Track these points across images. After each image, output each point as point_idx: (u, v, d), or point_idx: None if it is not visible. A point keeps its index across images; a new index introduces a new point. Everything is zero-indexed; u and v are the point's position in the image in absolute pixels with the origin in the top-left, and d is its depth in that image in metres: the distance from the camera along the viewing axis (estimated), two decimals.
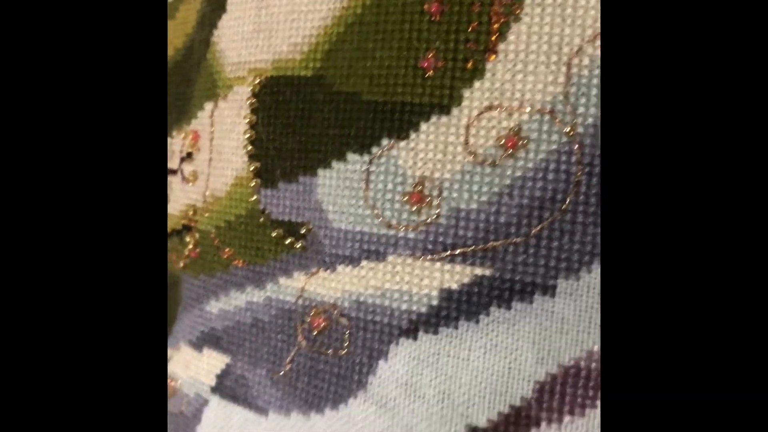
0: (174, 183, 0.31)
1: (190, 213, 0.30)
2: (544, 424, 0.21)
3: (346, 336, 0.23)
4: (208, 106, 0.28)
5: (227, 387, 0.27)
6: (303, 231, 0.24)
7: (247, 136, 0.26)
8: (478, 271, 0.21)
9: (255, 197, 0.26)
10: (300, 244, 0.25)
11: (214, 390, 0.28)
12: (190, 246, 0.29)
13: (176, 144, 0.32)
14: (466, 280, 0.21)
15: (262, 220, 0.26)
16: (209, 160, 0.29)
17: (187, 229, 0.30)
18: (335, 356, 0.24)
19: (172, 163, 0.32)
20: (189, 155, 0.30)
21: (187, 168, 0.30)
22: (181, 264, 0.30)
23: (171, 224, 0.31)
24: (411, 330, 0.22)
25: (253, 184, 0.26)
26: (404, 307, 0.22)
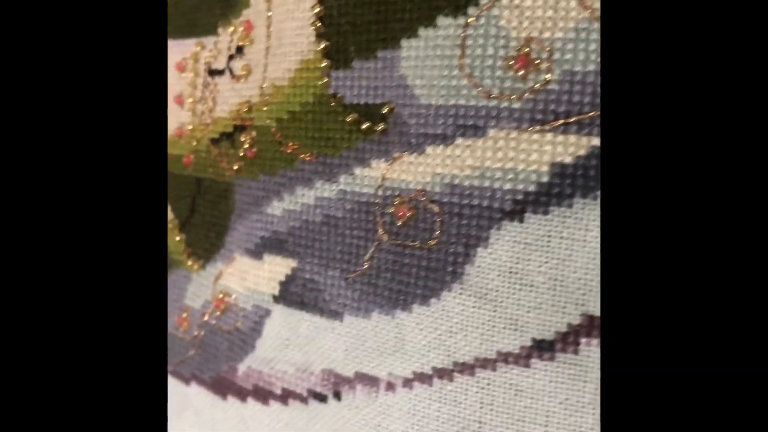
0: (221, 84, 0.29)
1: (244, 111, 0.27)
2: None
3: (437, 224, 0.21)
4: None
5: (293, 294, 0.25)
6: (384, 111, 0.22)
7: (315, 11, 0.23)
8: (596, 141, 0.19)
9: (324, 81, 0.23)
10: (380, 127, 0.22)
11: (278, 299, 0.25)
12: (246, 145, 0.27)
13: (222, 41, 0.29)
14: (582, 152, 0.19)
15: (333, 104, 0.23)
16: (266, 48, 0.26)
17: (240, 129, 0.27)
18: (423, 248, 0.21)
19: (218, 63, 0.29)
20: (239, 50, 0.28)
21: (238, 64, 0.28)
22: (235, 167, 0.27)
23: (219, 128, 0.29)
24: (516, 212, 0.20)
25: (322, 65, 0.23)
26: (508, 186, 0.20)
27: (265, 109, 0.26)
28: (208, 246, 0.29)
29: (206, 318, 0.29)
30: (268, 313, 0.26)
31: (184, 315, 0.30)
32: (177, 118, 0.31)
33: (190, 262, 0.30)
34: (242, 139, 0.27)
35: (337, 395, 0.24)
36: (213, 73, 0.29)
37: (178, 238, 0.31)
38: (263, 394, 0.26)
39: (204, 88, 0.30)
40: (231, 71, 0.28)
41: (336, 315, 0.24)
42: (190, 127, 0.30)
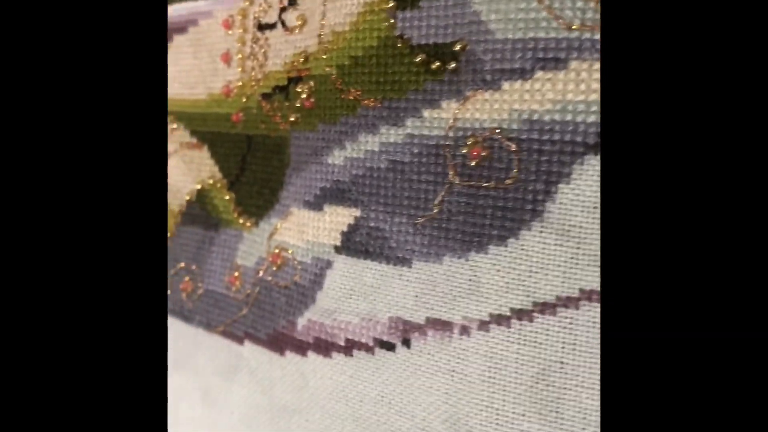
0: (272, 38, 0.28)
1: (300, 62, 0.27)
2: None
3: (514, 163, 0.21)
4: None
5: (357, 243, 0.24)
6: (456, 50, 0.21)
7: None
8: None
9: (390, 23, 0.23)
10: (451, 66, 0.21)
11: (340, 249, 0.25)
12: (304, 96, 0.26)
13: None
14: None
15: (399, 46, 0.23)
16: None
17: (295, 81, 0.27)
18: (499, 188, 0.21)
19: (268, 17, 0.28)
20: (292, 1, 0.27)
21: (291, 15, 0.27)
22: (292, 118, 0.27)
23: (271, 82, 0.28)
24: (599, 145, 0.19)
25: (388, 6, 0.23)
26: (591, 119, 0.19)
27: (324, 57, 0.25)
28: (261, 203, 0.29)
29: (261, 275, 0.28)
30: (329, 264, 0.25)
31: (236, 274, 0.30)
32: (223, 76, 0.31)
33: (241, 221, 0.30)
34: (298, 90, 0.26)
35: (407, 343, 0.23)
36: (263, 27, 0.29)
37: (227, 197, 0.31)
38: (325, 347, 0.26)
39: (253, 44, 0.29)
40: (283, 23, 0.28)
41: (404, 262, 0.23)
42: (240, 84, 0.30)
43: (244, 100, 0.30)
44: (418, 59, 0.22)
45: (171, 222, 0.33)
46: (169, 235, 0.34)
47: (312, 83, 0.26)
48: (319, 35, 0.26)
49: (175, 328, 0.33)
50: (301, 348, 0.27)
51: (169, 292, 0.34)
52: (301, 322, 0.27)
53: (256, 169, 0.29)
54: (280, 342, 0.27)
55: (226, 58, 0.31)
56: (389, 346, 0.24)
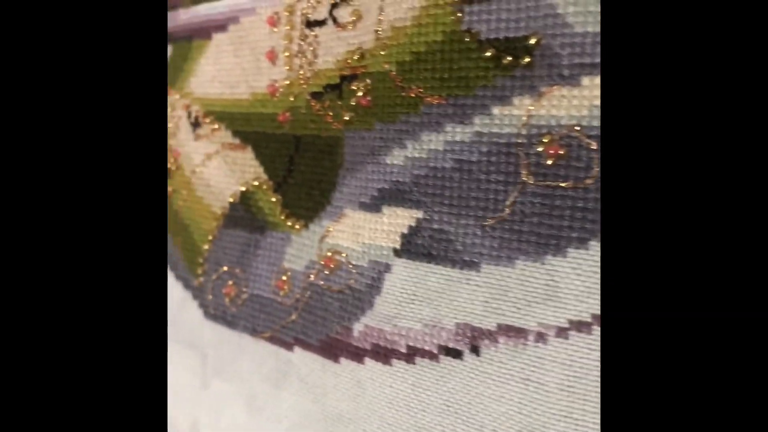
0: (322, 35, 0.27)
1: (354, 59, 0.26)
2: None
3: (595, 161, 0.20)
4: None
5: (419, 246, 0.24)
6: (530, 44, 0.20)
7: None
8: None
9: (456, 16, 0.22)
10: (525, 61, 0.21)
11: (400, 252, 0.24)
12: (360, 93, 0.25)
13: None
14: None
15: (467, 41, 0.22)
16: None
17: (349, 78, 0.26)
18: (578, 187, 0.20)
19: (317, 14, 0.28)
20: None
21: (343, 12, 0.26)
22: (346, 117, 0.26)
23: (321, 81, 0.27)
24: None
25: (454, 0, 0.22)
26: None
27: (382, 53, 0.24)
28: (311, 205, 0.28)
29: (312, 278, 0.28)
30: (388, 268, 0.25)
31: (284, 278, 0.29)
32: (268, 74, 0.30)
33: (289, 223, 0.29)
34: (353, 88, 0.26)
35: (475, 350, 0.22)
36: (312, 24, 0.28)
37: (273, 200, 0.30)
38: (384, 354, 0.25)
39: (301, 41, 0.28)
40: (335, 20, 0.27)
41: (471, 265, 0.22)
42: (287, 82, 0.29)
43: (292, 99, 0.29)
44: (487, 54, 0.21)
45: (213, 224, 0.33)
46: (210, 237, 0.33)
47: (368, 81, 0.25)
48: (377, 31, 0.25)
49: (217, 333, 0.32)
50: (357, 355, 0.26)
51: (210, 296, 0.33)
52: (358, 327, 0.26)
53: (305, 170, 0.28)
54: (334, 348, 0.27)
55: (272, 56, 0.30)
56: (456, 354, 0.23)
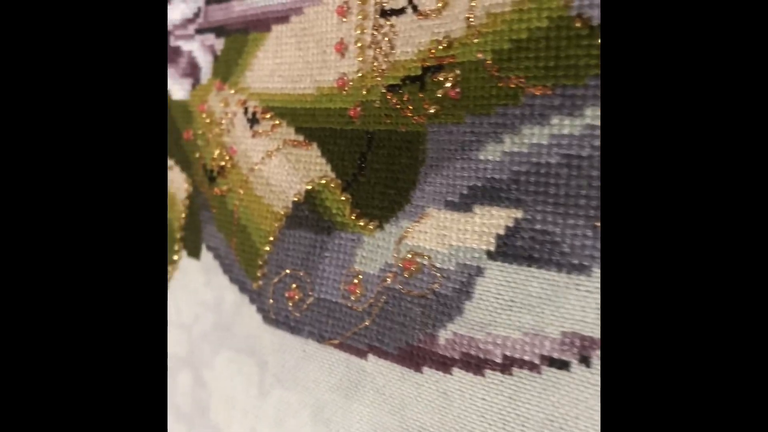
0: (400, 24, 0.26)
1: (440, 48, 0.24)
2: None
3: None
4: None
5: (519, 248, 0.22)
6: None
7: None
8: None
9: (565, 1, 0.20)
10: None
11: (495, 254, 0.22)
12: (448, 85, 0.24)
13: None
14: None
15: (577, 26, 0.20)
16: None
17: (434, 69, 0.24)
18: None
19: (393, 2, 0.26)
20: None
21: None
22: (431, 110, 0.24)
23: (400, 73, 0.26)
24: None
25: None
26: None
27: (475, 41, 0.23)
28: (386, 204, 0.26)
29: (388, 282, 0.26)
30: (479, 271, 0.23)
31: (356, 281, 0.27)
32: (336, 67, 0.29)
33: (361, 223, 0.27)
34: (440, 79, 0.24)
35: (585, 360, 0.20)
36: (387, 13, 0.27)
37: (342, 199, 0.28)
38: (476, 364, 0.23)
39: (375, 31, 0.27)
40: (415, 8, 0.25)
41: (581, 269, 0.21)
42: (358, 75, 0.27)
43: (364, 92, 0.27)
44: (599, 41, 0.20)
45: (274, 225, 0.31)
46: (271, 239, 0.31)
47: (458, 71, 0.23)
48: (467, 18, 0.23)
49: (278, 339, 0.31)
50: (443, 364, 0.24)
51: (270, 300, 0.31)
52: (444, 335, 0.24)
53: (379, 167, 0.27)
54: (416, 357, 0.25)
55: (341, 48, 0.28)
56: (561, 365, 0.21)
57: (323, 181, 0.29)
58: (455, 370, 0.24)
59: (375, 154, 0.27)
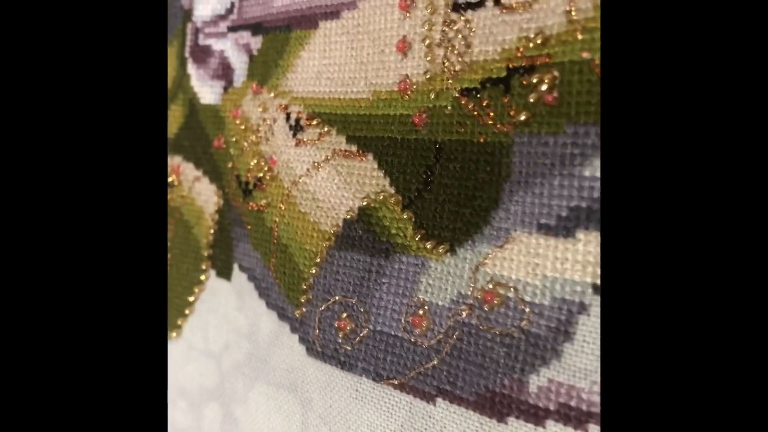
0: (477, 19, 0.23)
1: (530, 47, 0.21)
2: None
3: None
4: None
5: None
6: None
7: None
8: None
9: None
10: None
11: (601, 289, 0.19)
12: (543, 89, 0.20)
13: None
14: None
15: None
16: None
17: (522, 71, 0.21)
18: None
19: None
20: None
21: None
22: (521, 118, 0.21)
23: (477, 75, 0.22)
24: None
25: None
26: None
27: (579, 38, 0.20)
28: (459, 225, 0.23)
29: (463, 316, 0.22)
30: (583, 308, 0.19)
31: (421, 313, 0.24)
32: (398, 69, 0.25)
33: (427, 246, 0.24)
34: (533, 81, 0.21)
35: None
36: (461, 7, 0.23)
37: (404, 216, 0.25)
38: (577, 417, 0.20)
39: (446, 27, 0.24)
40: (497, 1, 0.22)
41: None
42: (426, 77, 0.24)
43: (432, 97, 0.24)
44: None
45: (321, 245, 0.28)
46: (318, 260, 0.28)
47: (556, 72, 0.20)
48: (568, 12, 0.20)
49: (325, 375, 0.27)
50: (534, 416, 0.20)
51: (316, 330, 0.28)
52: (536, 381, 0.20)
53: (450, 182, 0.23)
54: (498, 405, 0.21)
55: (403, 47, 0.25)
56: None
57: (381, 197, 0.26)
58: (550, 423, 0.20)
59: (444, 167, 0.24)
